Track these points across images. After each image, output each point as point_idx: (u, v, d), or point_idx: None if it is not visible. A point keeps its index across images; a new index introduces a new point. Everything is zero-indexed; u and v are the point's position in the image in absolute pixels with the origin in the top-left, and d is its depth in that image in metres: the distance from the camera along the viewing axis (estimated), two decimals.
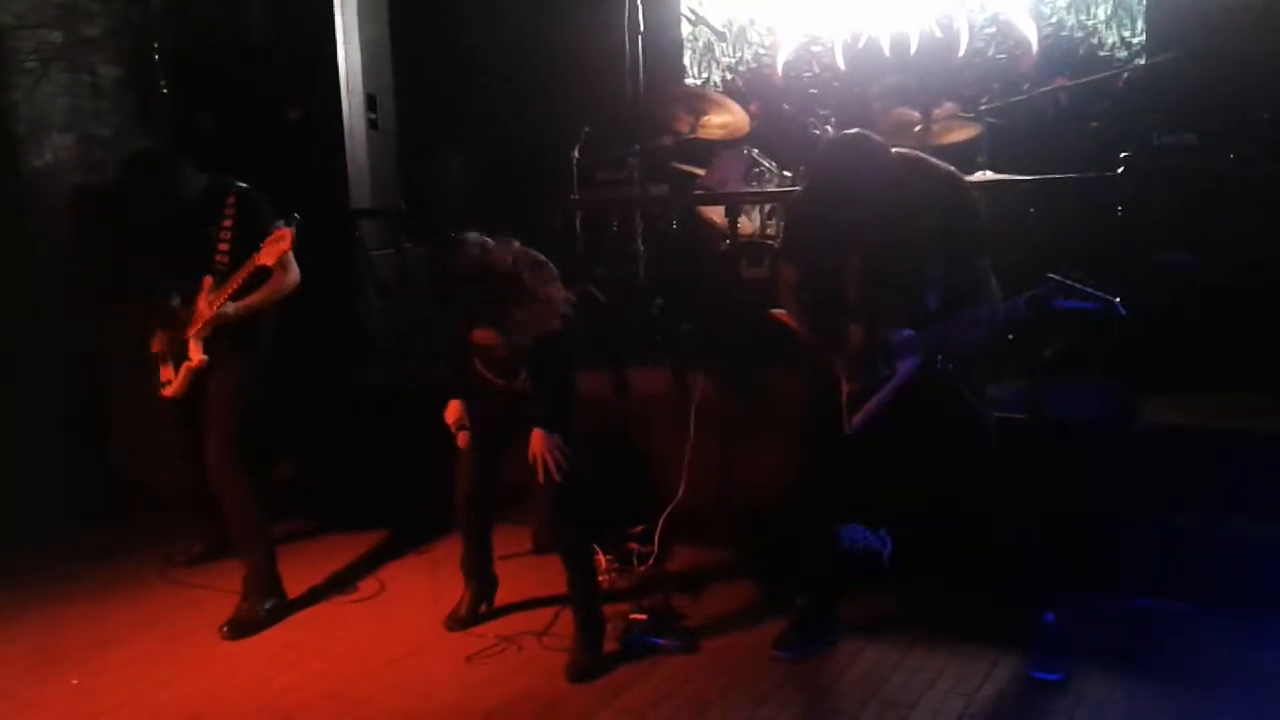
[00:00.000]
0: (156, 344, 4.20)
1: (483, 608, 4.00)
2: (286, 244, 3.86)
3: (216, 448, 4.02)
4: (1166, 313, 4.20)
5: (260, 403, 4.15)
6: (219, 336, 4.00)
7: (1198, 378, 4.18)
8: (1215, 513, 3.73)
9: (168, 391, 4.14)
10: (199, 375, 4.04)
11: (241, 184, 4.06)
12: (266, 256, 3.85)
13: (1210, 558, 3.71)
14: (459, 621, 3.93)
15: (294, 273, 4.05)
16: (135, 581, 4.49)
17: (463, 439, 3.78)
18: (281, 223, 3.87)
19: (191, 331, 4.00)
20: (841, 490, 3.69)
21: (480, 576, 4.01)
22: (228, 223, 3.97)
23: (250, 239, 3.91)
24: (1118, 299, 2.98)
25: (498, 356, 3.65)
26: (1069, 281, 3.00)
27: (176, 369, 4.09)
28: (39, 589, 4.43)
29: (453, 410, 3.80)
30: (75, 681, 3.64)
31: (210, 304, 3.95)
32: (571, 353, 3.68)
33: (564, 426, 3.59)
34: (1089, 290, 2.99)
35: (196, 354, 3.99)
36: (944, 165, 3.39)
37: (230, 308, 3.94)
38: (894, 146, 3.39)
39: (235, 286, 3.92)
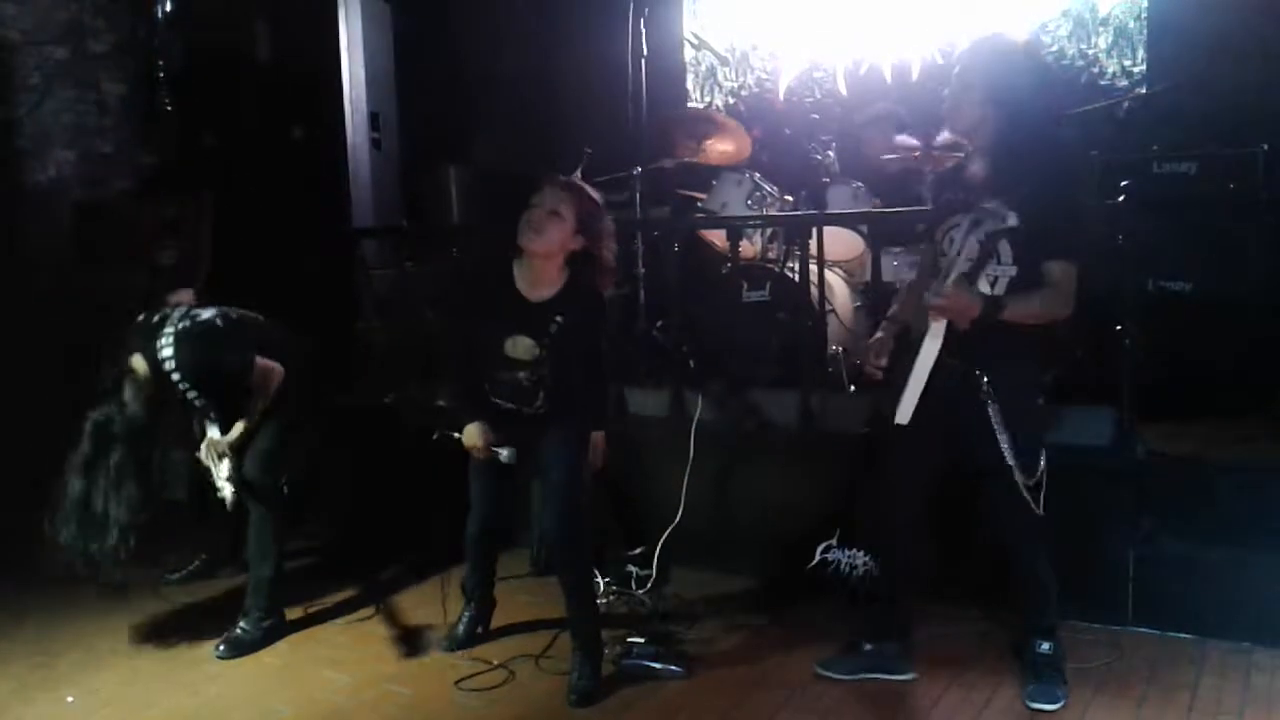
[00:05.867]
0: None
1: (479, 630, 3.97)
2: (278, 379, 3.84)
3: (257, 463, 3.94)
4: (1167, 340, 4.22)
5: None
6: None
7: (1198, 406, 4.19)
8: (1216, 542, 3.73)
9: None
10: None
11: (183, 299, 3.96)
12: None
13: (1211, 587, 3.70)
14: (456, 642, 3.90)
15: (277, 369, 3.88)
16: (130, 598, 4.45)
17: (505, 455, 3.57)
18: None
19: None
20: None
21: (481, 598, 3.98)
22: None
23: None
24: None
25: (519, 377, 3.55)
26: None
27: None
28: (32, 603, 4.41)
29: (479, 433, 3.58)
30: (70, 699, 3.62)
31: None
32: (606, 356, 3.73)
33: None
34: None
35: (222, 472, 3.89)
36: None
37: (224, 445, 3.85)
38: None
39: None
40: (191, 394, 3.76)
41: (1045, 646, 3.40)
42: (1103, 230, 3.66)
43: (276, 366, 3.86)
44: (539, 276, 3.53)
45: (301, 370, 3.97)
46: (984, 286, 3.12)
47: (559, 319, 3.49)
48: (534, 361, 3.51)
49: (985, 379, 3.16)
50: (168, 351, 3.66)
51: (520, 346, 3.51)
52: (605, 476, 3.74)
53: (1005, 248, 3.11)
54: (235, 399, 3.86)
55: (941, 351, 3.13)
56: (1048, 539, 3.36)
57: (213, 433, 3.88)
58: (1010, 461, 3.18)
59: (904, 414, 3.17)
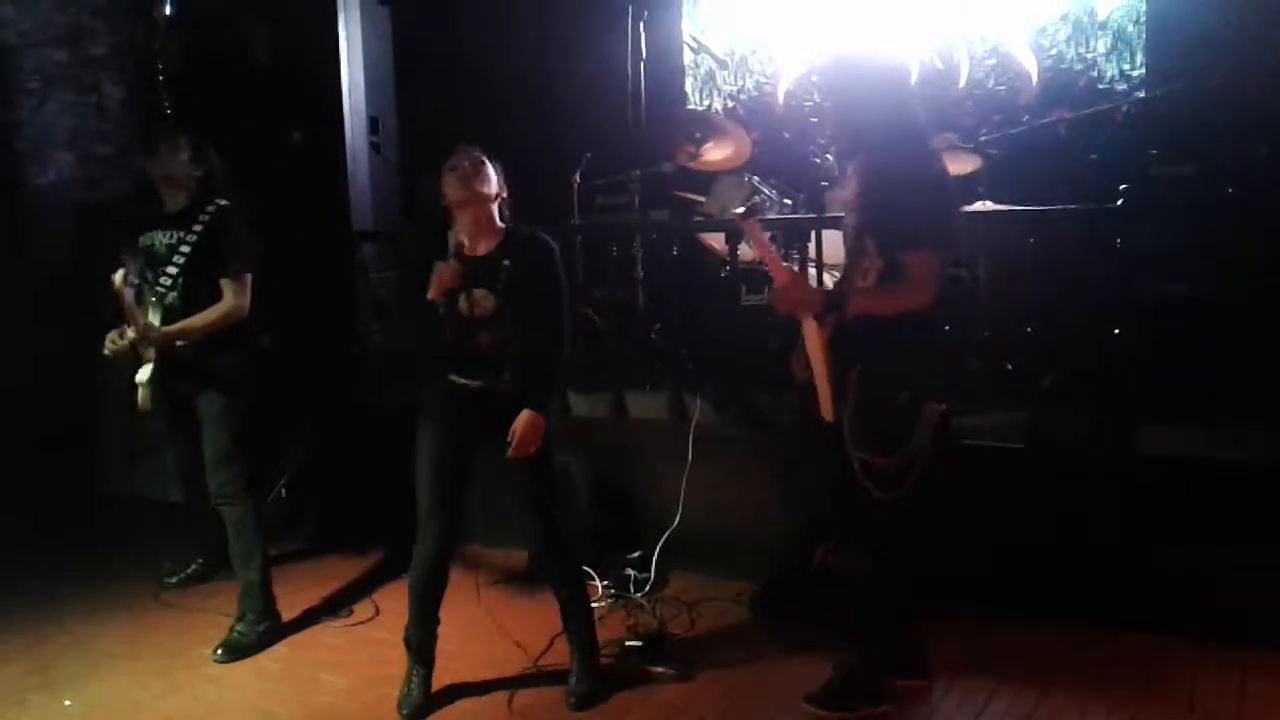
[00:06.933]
0: (110, 347, 3.92)
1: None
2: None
3: (214, 468, 4.00)
4: (1165, 342, 4.22)
5: (253, 421, 4.09)
6: (201, 358, 3.92)
7: (1196, 406, 4.18)
8: (1214, 543, 3.72)
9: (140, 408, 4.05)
10: (182, 391, 3.99)
11: (224, 202, 3.99)
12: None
13: (1210, 588, 3.70)
14: (418, 711, 3.44)
15: (247, 301, 3.96)
16: (127, 601, 4.47)
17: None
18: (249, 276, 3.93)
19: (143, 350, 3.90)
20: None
21: (431, 649, 3.55)
22: (193, 237, 3.90)
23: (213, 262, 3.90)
24: None
25: (482, 345, 3.36)
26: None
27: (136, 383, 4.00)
28: (29, 608, 4.41)
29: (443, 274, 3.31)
30: (68, 702, 3.62)
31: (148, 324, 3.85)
32: (569, 329, 3.49)
33: (548, 413, 3.35)
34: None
35: (144, 371, 3.89)
36: None
37: (158, 333, 3.83)
38: None
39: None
40: (181, 260, 3.86)
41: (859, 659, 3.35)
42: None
43: (248, 299, 3.96)
44: (479, 229, 3.37)
45: (254, 343, 4.05)
46: (859, 279, 3.19)
47: (506, 264, 3.34)
48: (492, 318, 3.35)
49: (856, 371, 3.16)
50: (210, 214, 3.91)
51: (475, 302, 3.35)
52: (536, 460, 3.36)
53: (870, 242, 3.17)
54: (204, 289, 3.90)
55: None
56: (889, 539, 3.27)
57: (153, 318, 3.87)
58: (851, 450, 3.14)
59: (824, 410, 3.21)
